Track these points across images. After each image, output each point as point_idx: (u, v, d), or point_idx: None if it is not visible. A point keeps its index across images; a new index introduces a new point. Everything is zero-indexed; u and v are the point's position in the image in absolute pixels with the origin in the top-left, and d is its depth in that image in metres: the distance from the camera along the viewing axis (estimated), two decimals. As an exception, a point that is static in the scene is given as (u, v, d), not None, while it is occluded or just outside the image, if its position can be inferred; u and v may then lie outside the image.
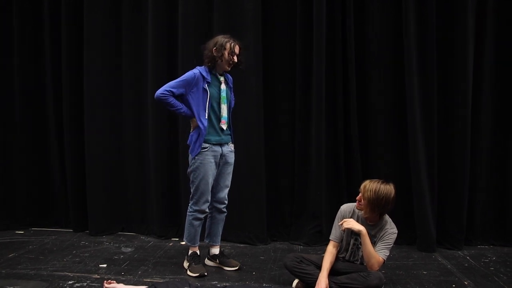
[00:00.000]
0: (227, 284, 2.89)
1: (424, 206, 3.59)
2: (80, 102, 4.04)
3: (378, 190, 2.60)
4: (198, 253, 3.16)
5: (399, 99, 3.72)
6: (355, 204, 2.76)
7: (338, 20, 3.72)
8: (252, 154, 3.76)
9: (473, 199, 3.72)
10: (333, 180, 3.81)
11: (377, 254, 2.64)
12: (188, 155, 3.07)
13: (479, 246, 3.74)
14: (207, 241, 3.27)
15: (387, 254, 2.69)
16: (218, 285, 2.88)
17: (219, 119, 3.03)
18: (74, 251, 3.57)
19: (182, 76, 3.02)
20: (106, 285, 2.70)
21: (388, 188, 2.63)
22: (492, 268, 3.23)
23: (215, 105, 3.02)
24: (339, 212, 2.83)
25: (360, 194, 2.69)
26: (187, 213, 3.12)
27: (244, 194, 3.79)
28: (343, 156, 3.81)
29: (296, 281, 2.83)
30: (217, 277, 3.02)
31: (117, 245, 3.78)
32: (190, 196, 3.09)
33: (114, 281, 2.76)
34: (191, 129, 3.07)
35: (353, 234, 2.77)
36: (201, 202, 3.04)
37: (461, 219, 3.65)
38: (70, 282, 2.88)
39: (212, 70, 3.05)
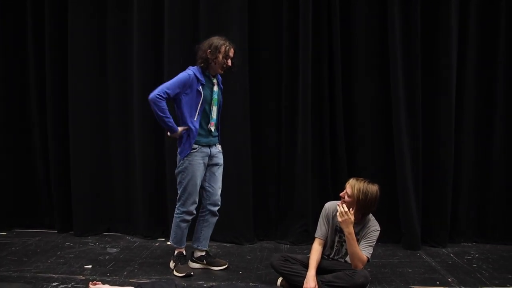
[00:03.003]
0: (214, 283, 2.88)
1: (409, 205, 3.63)
2: (65, 102, 3.99)
3: (366, 191, 2.64)
4: (184, 253, 3.15)
5: (385, 98, 3.75)
6: (339, 202, 2.78)
7: (324, 19, 3.74)
8: (239, 154, 3.76)
9: (456, 198, 3.78)
10: (319, 179, 3.83)
11: (361, 253, 2.67)
12: (176, 156, 3.05)
13: (462, 244, 3.81)
14: (195, 246, 3.20)
15: (371, 252, 2.72)
16: (205, 285, 2.87)
17: (208, 121, 3.02)
18: (59, 252, 3.52)
19: (177, 77, 2.95)
20: (91, 286, 2.68)
21: (375, 189, 2.68)
22: (475, 265, 3.29)
23: (206, 107, 3.00)
24: (323, 210, 2.85)
25: (344, 191, 2.71)
26: (174, 215, 3.08)
27: (231, 193, 3.77)
28: (329, 155, 3.83)
29: (280, 279, 2.84)
30: (204, 277, 3.01)
31: (102, 245, 3.74)
32: (177, 197, 3.06)
33: (100, 282, 2.74)
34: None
35: (337, 231, 2.80)
36: (188, 203, 3.02)
37: (445, 218, 3.70)
38: (54, 284, 2.84)
39: (205, 71, 3.01)
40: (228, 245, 3.77)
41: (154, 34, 3.88)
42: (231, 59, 3.01)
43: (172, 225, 3.10)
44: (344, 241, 2.74)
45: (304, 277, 2.67)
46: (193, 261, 3.23)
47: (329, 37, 3.75)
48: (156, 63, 3.88)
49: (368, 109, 3.82)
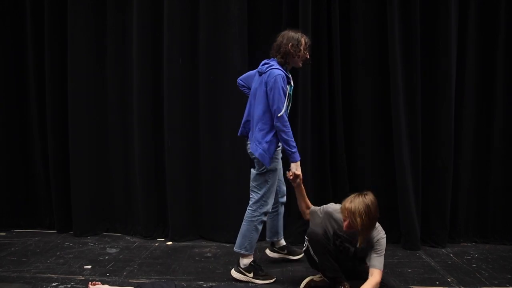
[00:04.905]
0: (213, 284, 2.88)
1: (409, 205, 3.63)
2: (64, 102, 3.98)
3: (366, 211, 2.46)
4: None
5: (384, 100, 3.75)
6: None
7: (323, 21, 3.73)
8: (238, 153, 3.75)
9: (456, 198, 3.78)
10: (318, 179, 3.83)
11: (377, 275, 2.52)
12: (251, 155, 2.92)
13: (462, 244, 3.81)
14: (276, 239, 3.24)
15: (382, 262, 2.58)
16: (204, 285, 2.87)
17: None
18: (58, 253, 3.52)
19: (278, 87, 2.73)
20: (91, 286, 2.67)
21: (369, 201, 2.50)
22: (474, 265, 3.29)
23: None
24: (326, 209, 2.76)
25: (346, 222, 2.54)
26: (249, 219, 2.93)
27: (230, 193, 3.79)
28: (328, 156, 3.83)
29: (304, 283, 2.78)
30: (204, 277, 3.01)
31: (102, 245, 3.74)
32: (255, 200, 2.93)
33: (99, 283, 2.74)
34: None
35: (337, 236, 2.70)
36: (269, 203, 2.95)
37: (444, 218, 3.70)
38: (54, 284, 2.84)
39: (283, 66, 2.87)
40: (227, 245, 3.77)
41: (154, 34, 3.88)
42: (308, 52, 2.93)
43: (244, 231, 2.94)
44: (348, 247, 2.67)
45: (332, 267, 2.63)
46: (274, 251, 3.27)
47: (328, 38, 3.74)
48: (155, 63, 3.88)
49: (368, 109, 3.81)
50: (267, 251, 3.34)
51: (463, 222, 3.84)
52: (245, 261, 2.96)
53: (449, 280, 2.99)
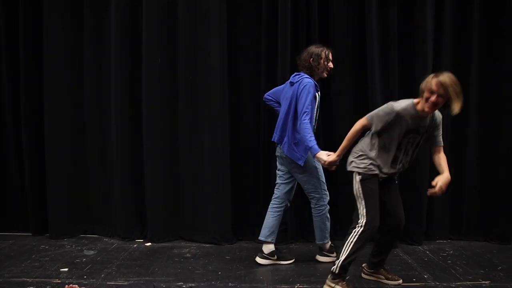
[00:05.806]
0: (193, 285, 2.87)
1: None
2: (40, 102, 3.90)
3: (456, 80, 2.50)
4: None
5: (362, 99, 3.80)
6: (408, 103, 2.62)
7: (302, 19, 3.75)
8: (217, 153, 3.75)
9: (431, 197, 3.84)
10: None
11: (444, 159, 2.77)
12: (285, 159, 3.24)
13: (437, 241, 3.90)
14: (270, 239, 3.30)
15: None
16: (184, 286, 2.86)
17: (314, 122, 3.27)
18: (33, 256, 3.45)
19: (306, 94, 3.05)
20: (67, 289, 2.64)
21: (449, 73, 2.54)
22: (449, 262, 3.37)
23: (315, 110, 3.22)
24: (393, 111, 2.62)
25: (434, 96, 2.48)
26: (318, 213, 3.24)
27: (209, 193, 3.79)
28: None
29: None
30: (183, 278, 3.00)
31: (79, 248, 3.68)
32: (313, 195, 3.23)
33: (76, 286, 2.71)
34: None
35: (410, 132, 2.65)
36: (326, 192, 3.25)
37: (421, 216, 3.78)
38: (29, 288, 2.79)
39: (311, 77, 3.17)
40: (207, 245, 3.76)
41: (132, 34, 3.84)
42: (331, 62, 3.24)
43: (320, 225, 3.26)
44: (414, 141, 2.70)
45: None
46: (263, 257, 3.29)
47: (307, 37, 3.76)
48: (134, 63, 3.84)
49: (346, 110, 3.84)
50: (257, 259, 3.31)
51: (439, 220, 3.92)
52: (327, 247, 3.32)
53: (425, 276, 3.06)
